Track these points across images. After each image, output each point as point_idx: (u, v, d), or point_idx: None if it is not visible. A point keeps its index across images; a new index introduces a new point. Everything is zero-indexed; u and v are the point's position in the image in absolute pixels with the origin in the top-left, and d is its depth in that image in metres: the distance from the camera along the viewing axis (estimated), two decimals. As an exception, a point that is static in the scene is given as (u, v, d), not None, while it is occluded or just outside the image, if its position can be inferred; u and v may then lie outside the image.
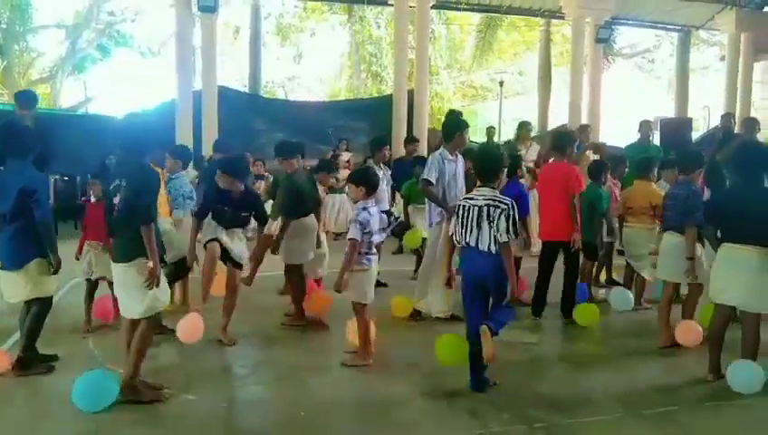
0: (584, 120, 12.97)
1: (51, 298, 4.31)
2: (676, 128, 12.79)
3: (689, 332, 4.81)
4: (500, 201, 3.84)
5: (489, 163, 4.10)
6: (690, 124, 13.69)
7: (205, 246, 4.97)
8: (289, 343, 4.98)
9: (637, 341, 5.14)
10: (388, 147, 7.36)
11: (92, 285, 5.12)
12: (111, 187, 3.80)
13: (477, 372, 3.95)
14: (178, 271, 5.22)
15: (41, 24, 25.60)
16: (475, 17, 20.91)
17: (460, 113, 6.08)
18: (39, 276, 4.15)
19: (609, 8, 13.42)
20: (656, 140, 11.47)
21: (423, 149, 12.42)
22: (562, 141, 5.83)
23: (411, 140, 9.58)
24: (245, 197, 5.02)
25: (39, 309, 4.22)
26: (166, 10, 23.27)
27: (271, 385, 4.14)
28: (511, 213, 3.79)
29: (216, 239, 4.91)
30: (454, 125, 5.51)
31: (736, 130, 9.39)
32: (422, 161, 7.78)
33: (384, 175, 7.26)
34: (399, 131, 12.29)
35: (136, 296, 3.74)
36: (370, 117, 13.51)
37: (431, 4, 13.18)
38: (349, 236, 4.30)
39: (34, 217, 4.06)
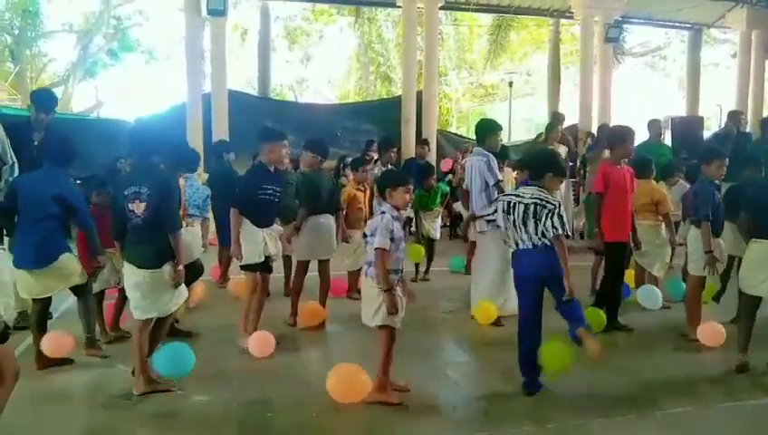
0: (595, 120, 12.93)
1: (87, 283, 4.52)
2: (688, 126, 12.68)
3: (713, 332, 4.85)
4: (548, 201, 3.84)
5: (536, 161, 4.14)
6: (702, 123, 13.54)
7: (244, 268, 4.88)
8: (300, 344, 4.99)
9: (651, 340, 5.11)
10: (395, 148, 7.36)
11: (103, 294, 5.07)
12: (126, 193, 3.85)
13: (532, 373, 3.94)
14: (191, 275, 5.21)
15: (52, 30, 25.86)
16: (484, 18, 20.88)
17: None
18: (69, 269, 4.36)
19: (619, 7, 13.34)
20: (667, 138, 11.40)
21: (433, 149, 12.47)
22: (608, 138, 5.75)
23: (421, 141, 9.57)
24: (278, 171, 4.98)
25: (84, 293, 4.49)
26: (175, 14, 23.46)
27: (282, 387, 4.15)
28: (557, 211, 3.78)
29: (260, 265, 4.84)
30: (483, 129, 5.72)
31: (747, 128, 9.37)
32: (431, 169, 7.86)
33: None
34: (408, 133, 12.29)
35: (161, 298, 3.91)
36: (379, 118, 13.50)
37: (439, 6, 13.16)
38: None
39: (75, 221, 4.36)
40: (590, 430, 3.52)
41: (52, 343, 4.33)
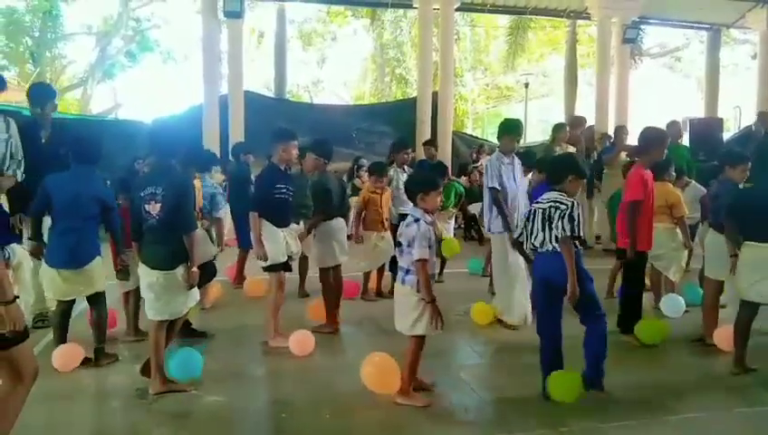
0: (611, 122, 12.82)
1: (103, 292, 4.55)
2: (707, 128, 12.52)
3: (729, 337, 4.78)
4: (561, 202, 3.83)
5: (556, 165, 4.13)
6: (721, 124, 13.36)
7: (266, 269, 4.89)
8: (314, 346, 5.01)
9: (667, 343, 5.05)
10: (408, 150, 7.37)
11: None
12: (143, 194, 3.90)
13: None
14: (204, 276, 5.23)
15: (71, 32, 26.20)
16: (501, 19, 20.80)
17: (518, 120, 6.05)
18: (96, 275, 4.42)
19: (636, 7, 13.23)
20: (685, 140, 11.28)
21: (447, 150, 12.45)
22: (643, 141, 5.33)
23: (428, 142, 9.46)
24: (288, 170, 5.03)
25: (99, 302, 4.49)
26: (193, 16, 23.67)
27: (297, 388, 4.17)
28: (567, 212, 3.76)
29: (282, 265, 4.88)
30: (500, 128, 5.67)
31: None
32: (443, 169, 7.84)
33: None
34: (423, 134, 12.28)
35: (175, 300, 3.95)
36: (394, 120, 13.53)
37: (455, 7, 13.14)
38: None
39: (107, 221, 4.41)
40: (604, 435, 3.51)
41: (63, 356, 4.36)
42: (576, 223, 3.75)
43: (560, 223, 3.76)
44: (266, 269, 4.89)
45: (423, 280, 3.64)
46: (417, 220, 3.71)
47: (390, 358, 3.94)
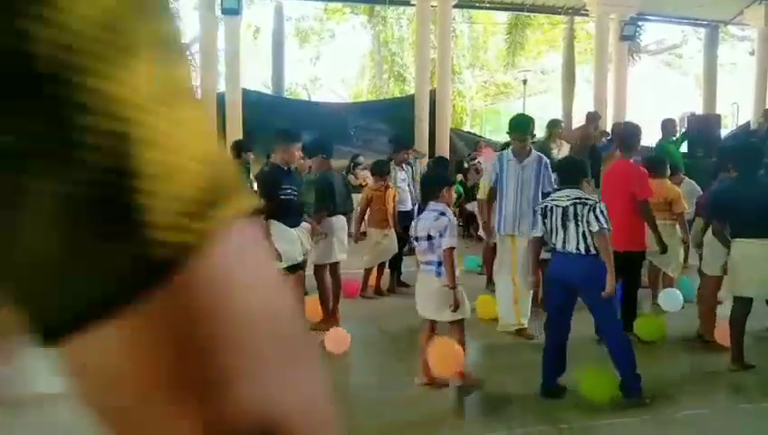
0: (610, 119, 12.82)
1: None
2: (704, 124, 12.52)
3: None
4: (587, 198, 3.83)
5: (571, 169, 4.14)
6: (719, 121, 13.38)
7: (287, 270, 4.78)
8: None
9: (666, 340, 5.05)
10: (408, 149, 7.34)
11: None
12: None
13: (551, 379, 3.91)
14: None
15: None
16: (499, 16, 20.78)
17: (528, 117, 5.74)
18: None
19: (634, 4, 13.24)
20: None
21: (445, 148, 12.45)
22: (629, 137, 5.30)
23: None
24: (290, 169, 5.02)
25: None
26: (189, 13, 23.59)
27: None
28: (598, 206, 3.77)
29: (299, 265, 4.86)
30: (509, 126, 5.33)
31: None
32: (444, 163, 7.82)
33: (407, 176, 7.25)
34: (421, 131, 12.28)
35: None
36: (393, 117, 13.51)
37: (453, 4, 13.12)
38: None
39: None
40: (604, 431, 3.50)
41: None
42: (605, 217, 3.74)
43: (591, 216, 3.72)
44: (286, 270, 4.82)
45: (449, 267, 3.73)
46: (443, 213, 3.80)
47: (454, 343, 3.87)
